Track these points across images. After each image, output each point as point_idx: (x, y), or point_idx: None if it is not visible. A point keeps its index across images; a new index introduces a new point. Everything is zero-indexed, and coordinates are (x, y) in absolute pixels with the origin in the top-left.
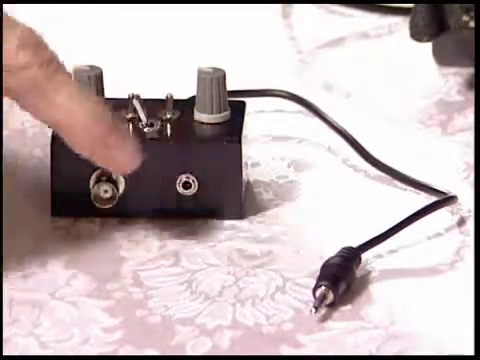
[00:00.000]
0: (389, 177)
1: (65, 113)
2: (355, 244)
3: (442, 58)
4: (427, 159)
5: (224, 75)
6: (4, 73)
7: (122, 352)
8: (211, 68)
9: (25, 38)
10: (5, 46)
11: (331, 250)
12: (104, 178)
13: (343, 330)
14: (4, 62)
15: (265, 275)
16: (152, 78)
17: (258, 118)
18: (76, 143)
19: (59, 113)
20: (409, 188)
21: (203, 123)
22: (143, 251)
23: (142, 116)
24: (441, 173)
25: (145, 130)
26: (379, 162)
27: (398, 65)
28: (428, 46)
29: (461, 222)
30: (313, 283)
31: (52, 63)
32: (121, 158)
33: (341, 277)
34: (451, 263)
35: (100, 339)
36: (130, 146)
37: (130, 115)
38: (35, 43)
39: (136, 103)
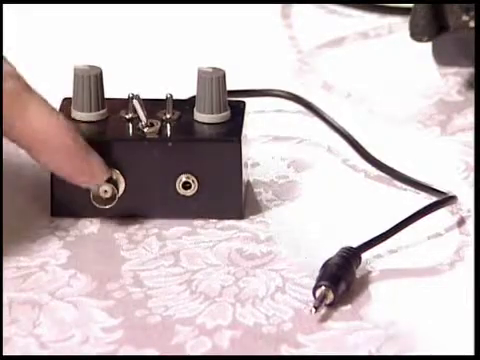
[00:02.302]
0: (389, 177)
1: (38, 126)
2: (355, 244)
3: (442, 58)
4: (427, 159)
5: (224, 75)
6: None
7: (122, 352)
8: (211, 68)
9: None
10: None
11: (331, 250)
12: None
13: (343, 330)
14: None
15: (265, 275)
16: (152, 78)
17: (258, 118)
18: (47, 155)
19: (32, 126)
20: (409, 188)
21: (203, 123)
22: (143, 251)
23: (142, 116)
24: (441, 173)
25: (145, 130)
26: (379, 162)
27: (398, 65)
28: (428, 46)
29: (461, 222)
30: (313, 283)
31: (21, 76)
32: (90, 169)
33: (341, 277)
34: (451, 263)
35: (100, 339)
36: (97, 158)
37: (130, 115)
38: (5, 58)
39: (136, 103)
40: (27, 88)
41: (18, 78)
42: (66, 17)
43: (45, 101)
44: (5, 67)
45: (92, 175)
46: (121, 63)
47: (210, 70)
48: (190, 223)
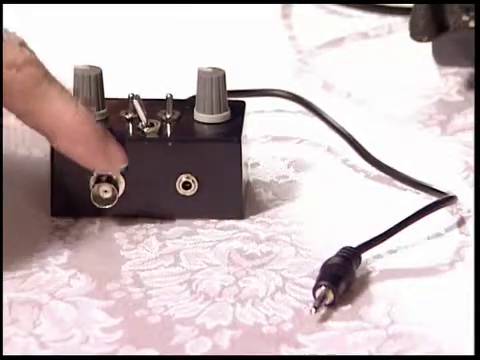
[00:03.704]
0: (389, 177)
1: (57, 113)
2: (355, 244)
3: (442, 58)
4: (427, 159)
5: (224, 75)
6: (10, 71)
7: (122, 352)
8: (211, 68)
9: (22, 40)
10: (9, 46)
11: (331, 250)
12: (104, 178)
13: (343, 330)
14: (10, 58)
15: (265, 275)
16: (152, 78)
17: (258, 118)
18: (67, 142)
19: (53, 112)
20: (409, 188)
21: (203, 123)
22: (143, 251)
23: (142, 116)
24: (441, 173)
25: (145, 130)
26: (379, 162)
27: (398, 65)
28: (428, 46)
29: (461, 222)
30: (313, 283)
31: (41, 63)
32: (110, 156)
33: (341, 277)
34: (451, 263)
35: (100, 339)
36: (116, 145)
37: (130, 115)
38: (25, 44)
39: (136, 103)
40: (47, 75)
41: (38, 65)
42: (66, 17)
43: (65, 88)
44: (25, 54)
45: (110, 162)
46: (121, 63)
47: (210, 70)
48: (190, 223)
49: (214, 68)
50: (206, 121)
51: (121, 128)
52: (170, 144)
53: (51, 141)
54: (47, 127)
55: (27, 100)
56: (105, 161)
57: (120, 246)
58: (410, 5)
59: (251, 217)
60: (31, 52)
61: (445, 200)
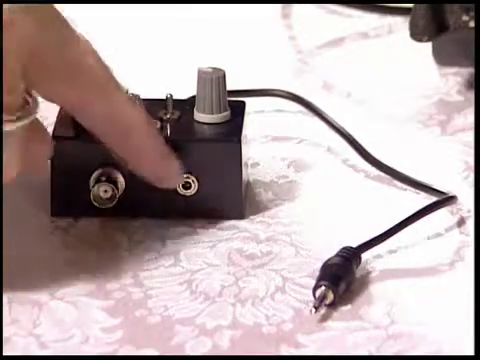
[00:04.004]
0: (389, 177)
1: (124, 115)
2: (355, 244)
3: (442, 58)
4: (427, 159)
5: (224, 75)
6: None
7: (122, 352)
8: (211, 68)
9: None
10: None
11: (331, 250)
12: (104, 178)
13: (343, 330)
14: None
15: (265, 275)
16: (152, 78)
17: (258, 118)
18: (128, 149)
19: (119, 114)
20: (409, 188)
21: (203, 123)
22: (143, 251)
23: None
24: (441, 173)
25: None
26: (379, 162)
27: (398, 65)
28: (428, 46)
29: (461, 222)
30: (313, 283)
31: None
32: (168, 168)
33: (341, 277)
34: (451, 263)
35: (100, 339)
36: (175, 159)
37: None
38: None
39: None
40: (114, 77)
41: (106, 68)
42: (66, 17)
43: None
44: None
45: (169, 174)
46: (121, 63)
47: (210, 70)
48: (190, 223)
49: (214, 68)
50: (206, 121)
51: None
52: (170, 144)
53: (112, 145)
54: (111, 128)
55: (92, 99)
56: (165, 172)
57: (120, 246)
58: (410, 5)
59: (251, 217)
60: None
61: (445, 200)
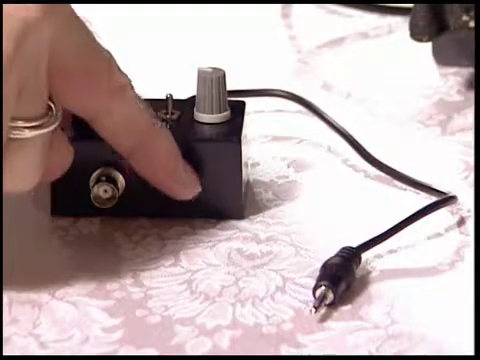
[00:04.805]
0: (389, 177)
1: (144, 119)
2: (355, 244)
3: (442, 58)
4: (427, 159)
5: (224, 75)
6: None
7: (122, 352)
8: (211, 68)
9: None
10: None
11: (331, 250)
12: (104, 178)
13: (343, 330)
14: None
15: (265, 275)
16: (152, 78)
17: (258, 118)
18: (146, 159)
19: (139, 119)
20: (409, 188)
21: (203, 123)
22: (143, 251)
23: None
24: (441, 173)
25: None
26: (379, 162)
27: (398, 65)
28: (428, 46)
29: (461, 222)
30: (313, 283)
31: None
32: (185, 178)
33: (341, 277)
34: (451, 263)
35: (100, 339)
36: (191, 170)
37: None
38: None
39: None
40: (132, 83)
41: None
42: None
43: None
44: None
45: (186, 183)
46: (121, 63)
47: (210, 70)
48: (190, 223)
49: (214, 68)
50: (206, 121)
51: None
52: None
53: (130, 156)
54: (132, 136)
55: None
56: (182, 182)
57: (120, 246)
58: (410, 5)
59: (251, 217)
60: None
61: (445, 200)
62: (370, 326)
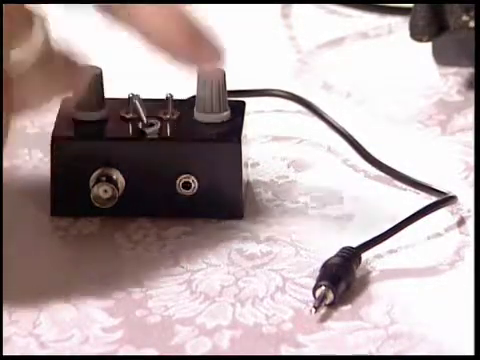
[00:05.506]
0: (389, 177)
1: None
2: (355, 244)
3: (442, 58)
4: (427, 159)
5: (224, 75)
6: None
7: (122, 352)
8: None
9: None
10: None
11: (331, 250)
12: (104, 178)
13: (343, 330)
14: None
15: (265, 275)
16: (152, 78)
17: (258, 118)
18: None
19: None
20: (409, 188)
21: (203, 123)
22: (143, 251)
23: (142, 116)
24: (441, 173)
25: (145, 130)
26: (379, 162)
27: (398, 65)
28: (428, 46)
29: (461, 222)
30: (313, 283)
31: None
32: (205, 47)
33: (341, 277)
34: (451, 263)
35: (100, 339)
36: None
37: (130, 115)
38: None
39: (136, 103)
40: None
41: None
42: (66, 17)
43: None
44: None
45: (204, 53)
46: (121, 63)
47: (210, 70)
48: (190, 223)
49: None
50: (206, 121)
51: (121, 128)
52: (170, 144)
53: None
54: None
55: None
56: (202, 52)
57: (120, 246)
58: (410, 5)
59: (251, 217)
60: None
61: (445, 200)
62: (370, 326)
